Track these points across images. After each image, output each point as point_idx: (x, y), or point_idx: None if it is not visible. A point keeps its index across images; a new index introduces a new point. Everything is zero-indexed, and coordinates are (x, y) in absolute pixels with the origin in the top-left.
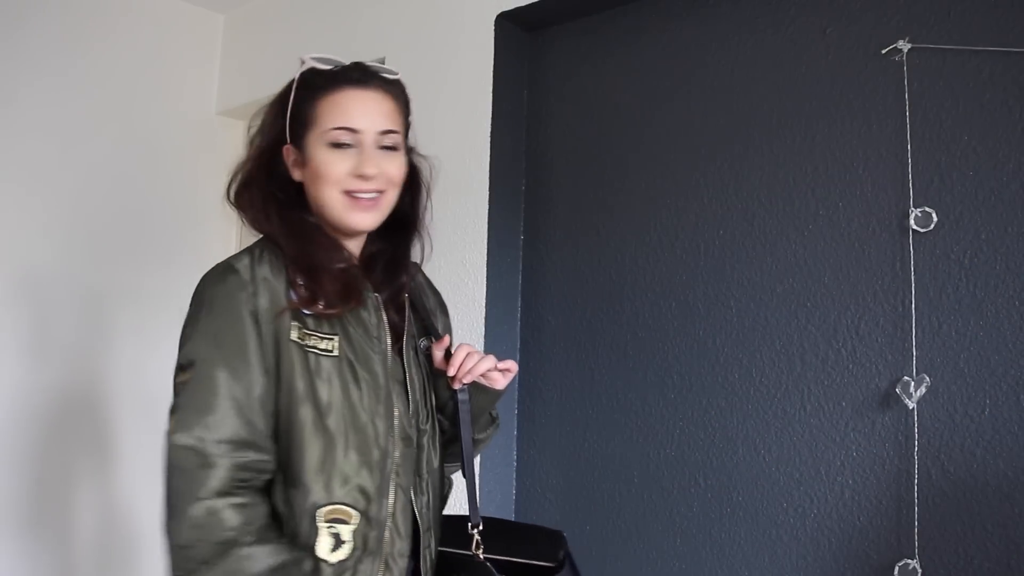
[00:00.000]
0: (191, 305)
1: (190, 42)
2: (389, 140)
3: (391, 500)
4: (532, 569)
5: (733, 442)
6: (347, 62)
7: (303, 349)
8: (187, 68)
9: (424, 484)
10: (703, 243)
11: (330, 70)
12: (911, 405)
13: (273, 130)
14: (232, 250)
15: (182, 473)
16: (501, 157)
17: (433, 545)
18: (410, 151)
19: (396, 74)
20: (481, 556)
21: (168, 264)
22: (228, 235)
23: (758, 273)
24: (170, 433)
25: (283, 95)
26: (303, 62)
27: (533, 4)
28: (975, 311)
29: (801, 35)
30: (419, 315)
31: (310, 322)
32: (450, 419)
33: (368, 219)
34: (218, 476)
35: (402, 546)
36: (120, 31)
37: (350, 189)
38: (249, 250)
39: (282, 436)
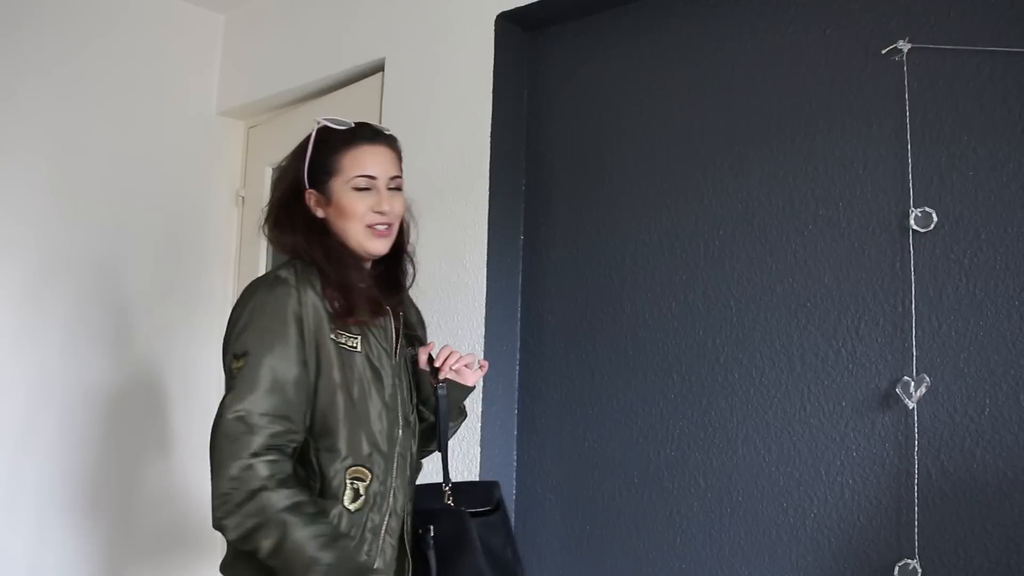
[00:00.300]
0: (242, 307)
1: (190, 42)
2: (396, 183)
3: (395, 467)
4: (479, 514)
5: (733, 442)
6: (353, 123)
7: (339, 346)
8: (187, 68)
9: (407, 462)
10: (703, 243)
11: (346, 129)
12: (911, 405)
13: (296, 176)
14: (232, 250)
15: (229, 438)
16: (501, 157)
17: (409, 507)
18: None
19: (389, 131)
20: (452, 505)
21: (168, 264)
22: (228, 235)
23: (758, 273)
24: (225, 407)
25: (301, 148)
26: (318, 123)
27: (533, 4)
28: (975, 311)
29: (801, 35)
30: (407, 327)
31: (347, 325)
32: (432, 411)
33: (384, 245)
34: (257, 441)
35: (403, 502)
36: (120, 31)
37: (370, 223)
38: (291, 265)
39: (319, 413)
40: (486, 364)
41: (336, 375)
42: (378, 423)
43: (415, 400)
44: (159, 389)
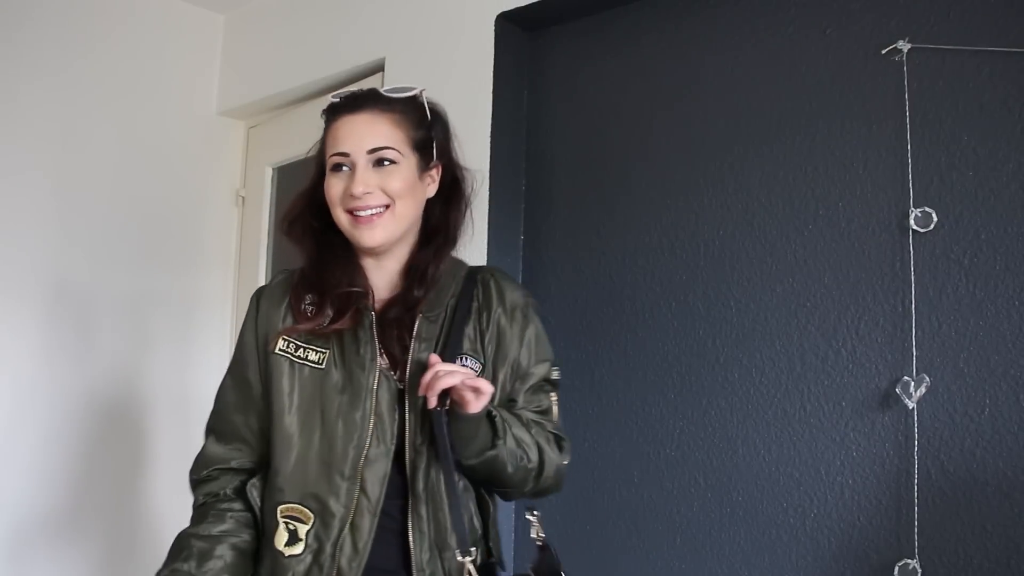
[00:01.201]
0: None
1: (190, 42)
2: (379, 155)
3: (351, 510)
4: None
5: (733, 442)
6: (364, 89)
7: (290, 360)
8: (187, 68)
9: (421, 503)
10: (703, 243)
11: (332, 103)
12: (911, 405)
13: (316, 165)
14: (232, 250)
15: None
16: (501, 157)
17: (436, 562)
18: (449, 164)
19: (407, 91)
20: None
21: (168, 264)
22: (228, 235)
23: (758, 273)
24: None
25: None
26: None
27: (533, 4)
28: (975, 311)
29: (801, 35)
30: (452, 333)
31: (304, 336)
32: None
33: (373, 235)
34: (198, 463)
35: (355, 557)
36: (120, 31)
37: (349, 208)
38: (288, 269)
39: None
40: (486, 386)
41: (280, 396)
42: (330, 455)
43: (412, 433)
44: (159, 389)
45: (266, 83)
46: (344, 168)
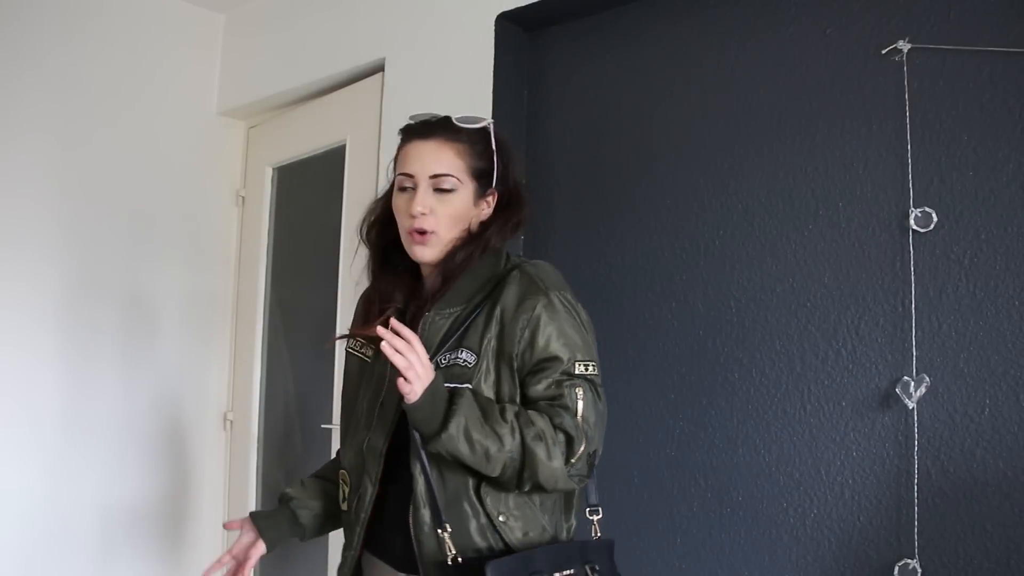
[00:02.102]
0: None
1: (190, 42)
2: (438, 183)
3: (361, 480)
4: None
5: (733, 442)
6: (439, 116)
7: (354, 355)
8: (187, 68)
9: (416, 481)
10: (703, 243)
11: (407, 125)
12: (911, 405)
13: (389, 179)
14: (232, 251)
15: None
16: None
17: (434, 531)
18: (505, 190)
19: (476, 123)
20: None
21: (168, 265)
22: (228, 235)
23: (758, 273)
24: None
25: None
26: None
27: (533, 4)
28: (975, 311)
29: (801, 35)
30: (457, 327)
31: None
32: None
33: (424, 252)
34: None
35: (359, 521)
36: (120, 31)
37: (407, 228)
38: None
39: None
40: (408, 375)
41: (345, 383)
42: (355, 434)
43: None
44: (157, 390)
45: (266, 83)
46: (409, 188)
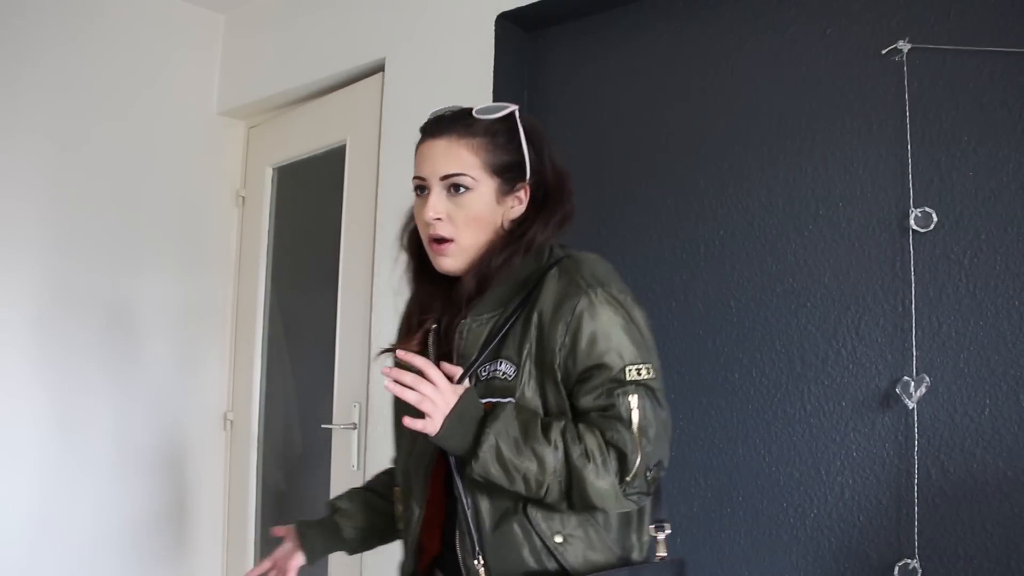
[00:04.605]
0: None
1: (190, 42)
2: (450, 182)
3: (409, 498)
4: None
5: (733, 442)
6: (457, 110)
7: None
8: (187, 68)
9: (461, 506)
10: (703, 243)
11: (423, 124)
12: (911, 405)
13: None
14: (232, 251)
15: None
16: None
17: (473, 565)
18: (541, 180)
19: (496, 112)
20: None
21: (168, 264)
22: (228, 235)
23: (758, 273)
24: None
25: None
26: None
27: (533, 4)
28: (975, 311)
29: (801, 35)
30: (495, 334)
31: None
32: None
33: (446, 263)
34: None
35: (409, 536)
36: (120, 31)
37: (427, 236)
38: None
39: None
40: (424, 408)
41: (394, 400)
42: (400, 455)
43: None
44: (157, 390)
45: (266, 83)
46: (423, 192)
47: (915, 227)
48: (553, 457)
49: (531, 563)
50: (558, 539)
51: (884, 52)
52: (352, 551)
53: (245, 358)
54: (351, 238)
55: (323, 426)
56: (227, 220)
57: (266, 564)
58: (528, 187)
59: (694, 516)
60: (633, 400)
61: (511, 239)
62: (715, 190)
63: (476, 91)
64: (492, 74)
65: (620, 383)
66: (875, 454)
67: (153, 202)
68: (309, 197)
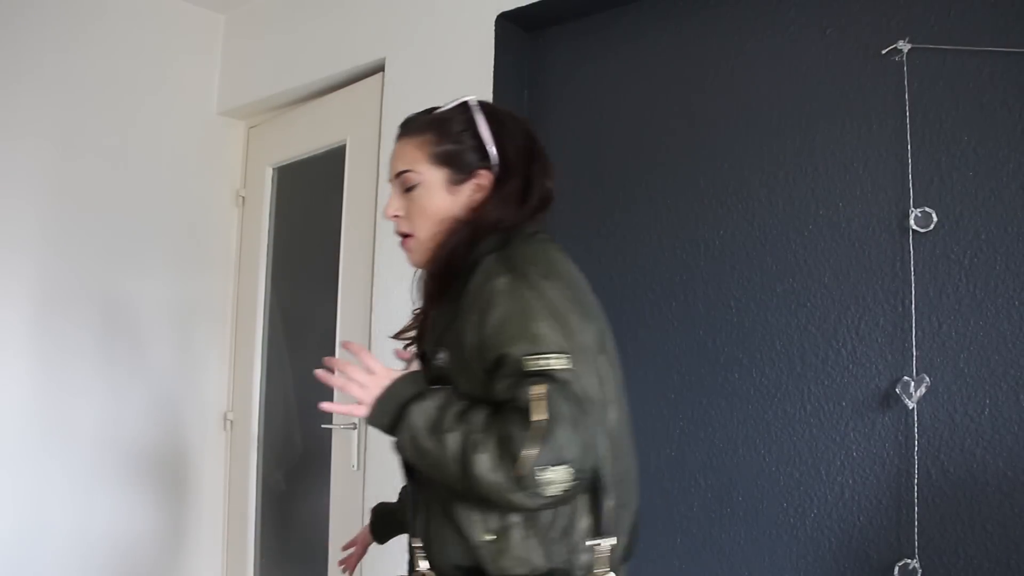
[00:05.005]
0: None
1: (190, 42)
2: (403, 181)
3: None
4: None
5: (733, 442)
6: (451, 104)
7: None
8: (187, 68)
9: (418, 496)
10: (703, 243)
11: None
12: (911, 405)
13: None
14: (232, 251)
15: None
16: None
17: (422, 562)
18: (504, 161)
19: (442, 107)
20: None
21: (168, 264)
22: (228, 235)
23: (758, 273)
24: None
25: None
26: None
27: (533, 4)
28: (975, 311)
29: (801, 35)
30: (435, 326)
31: None
32: None
33: (410, 258)
34: None
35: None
36: (121, 31)
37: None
38: None
39: None
40: (354, 393)
41: None
42: None
43: None
44: (157, 390)
45: (266, 83)
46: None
47: (915, 227)
48: (455, 444)
49: (456, 556)
50: (478, 539)
51: (884, 52)
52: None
53: (245, 358)
54: (351, 238)
55: (323, 426)
56: (227, 220)
57: (352, 545)
58: (489, 171)
59: (694, 516)
60: (534, 391)
61: (461, 226)
62: (715, 190)
63: (476, 91)
64: (492, 74)
65: (525, 374)
66: (875, 454)
67: (153, 202)
68: (309, 197)
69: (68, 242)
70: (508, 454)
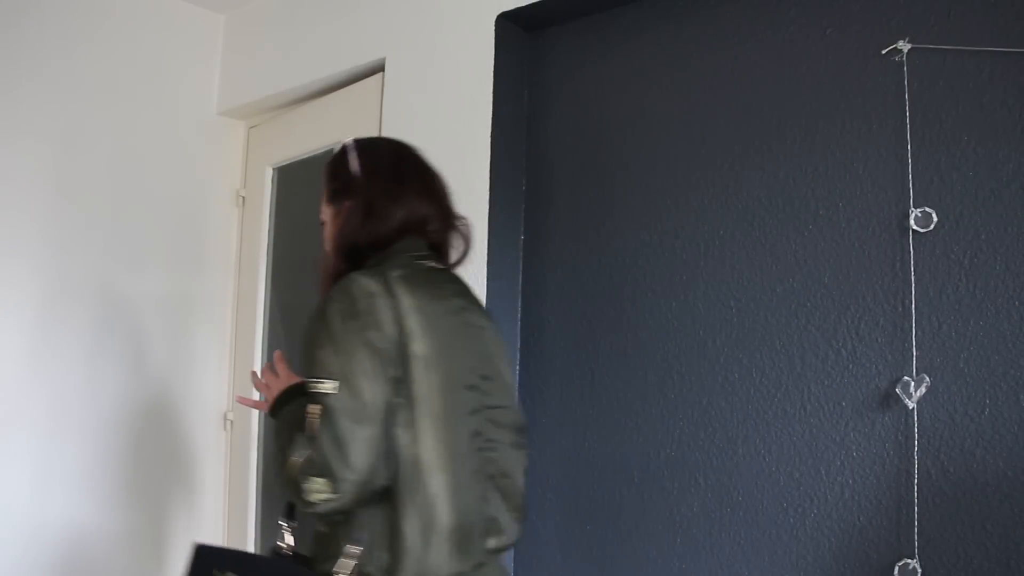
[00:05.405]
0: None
1: (190, 42)
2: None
3: None
4: None
5: (733, 442)
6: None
7: None
8: (187, 68)
9: None
10: (703, 243)
11: None
12: (911, 405)
13: None
14: (232, 251)
15: None
16: (501, 157)
17: (288, 538)
18: (362, 187)
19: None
20: None
21: (168, 264)
22: (228, 235)
23: (758, 273)
24: None
25: None
26: None
27: (533, 4)
28: (975, 311)
29: (801, 35)
30: None
31: None
32: None
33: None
34: None
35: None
36: (121, 31)
37: None
38: None
39: None
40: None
41: None
42: None
43: None
44: (157, 390)
45: (266, 83)
46: None
47: (915, 227)
48: (276, 446)
49: (312, 546)
50: (317, 527)
51: (884, 52)
52: None
53: (245, 358)
54: None
55: None
56: (227, 220)
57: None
58: (350, 201)
59: (694, 516)
60: (310, 410)
61: (327, 256)
62: (715, 190)
63: (476, 91)
64: (492, 74)
65: (309, 394)
66: (875, 454)
67: (153, 202)
68: (309, 197)
69: (67, 242)
70: (286, 458)
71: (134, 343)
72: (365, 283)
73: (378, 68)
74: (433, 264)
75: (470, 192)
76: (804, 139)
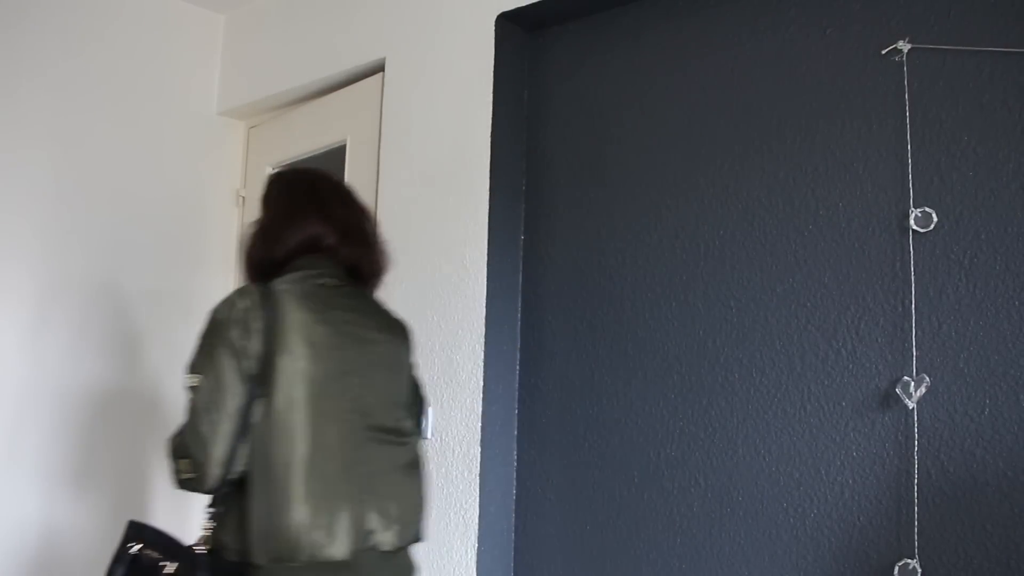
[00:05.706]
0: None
1: (190, 42)
2: None
3: None
4: None
5: (733, 442)
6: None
7: None
8: (187, 68)
9: None
10: (703, 243)
11: None
12: (911, 405)
13: None
14: (232, 251)
15: None
16: (501, 157)
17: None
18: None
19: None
20: None
21: (168, 264)
22: (228, 235)
23: (758, 273)
24: None
25: None
26: None
27: (533, 4)
28: (975, 311)
29: (801, 35)
30: None
31: None
32: None
33: None
34: None
35: None
36: (120, 31)
37: None
38: None
39: None
40: None
41: None
42: None
43: None
44: (157, 391)
45: (266, 83)
46: None
47: (915, 227)
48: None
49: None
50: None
51: (884, 52)
52: None
53: None
54: None
55: None
56: (227, 219)
57: None
58: (255, 225)
59: (694, 516)
60: (186, 399)
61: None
62: (715, 190)
63: (476, 91)
64: (492, 74)
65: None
66: (875, 454)
67: (153, 202)
68: None
69: (67, 241)
70: (167, 451)
71: (133, 342)
72: (247, 291)
73: (378, 68)
74: (327, 281)
75: (470, 192)
76: (804, 139)
